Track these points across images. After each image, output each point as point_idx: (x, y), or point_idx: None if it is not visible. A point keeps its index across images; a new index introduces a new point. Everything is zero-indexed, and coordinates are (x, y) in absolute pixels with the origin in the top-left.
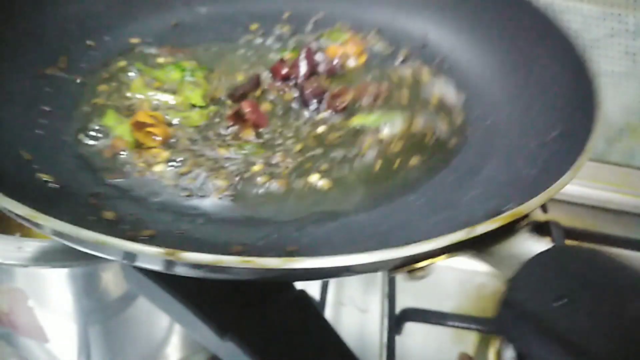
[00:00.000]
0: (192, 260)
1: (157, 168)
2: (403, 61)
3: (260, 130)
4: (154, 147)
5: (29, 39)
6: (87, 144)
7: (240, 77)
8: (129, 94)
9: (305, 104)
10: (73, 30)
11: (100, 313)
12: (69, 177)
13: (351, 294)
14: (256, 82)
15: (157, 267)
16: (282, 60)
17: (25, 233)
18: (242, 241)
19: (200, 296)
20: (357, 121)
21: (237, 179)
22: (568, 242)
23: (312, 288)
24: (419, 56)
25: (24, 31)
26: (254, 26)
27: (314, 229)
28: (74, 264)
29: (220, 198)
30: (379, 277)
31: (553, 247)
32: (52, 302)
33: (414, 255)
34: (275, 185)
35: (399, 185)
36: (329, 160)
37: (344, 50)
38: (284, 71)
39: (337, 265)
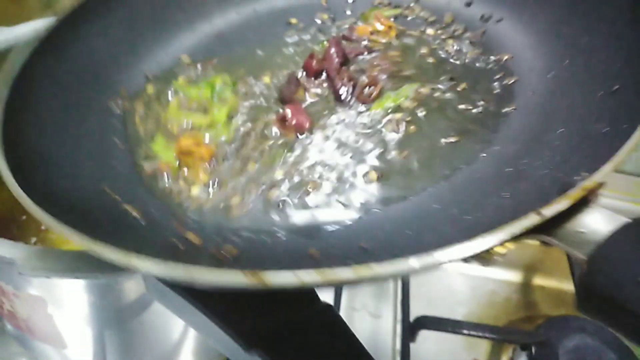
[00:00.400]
0: (278, 281)
1: (198, 190)
2: (447, 25)
3: (302, 134)
4: (202, 169)
5: (87, 77)
6: (146, 171)
7: (272, 80)
8: (167, 117)
9: (338, 98)
10: (126, 60)
11: (117, 319)
12: (149, 205)
13: (364, 300)
14: (297, 82)
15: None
16: (311, 56)
17: (42, 238)
18: (315, 245)
19: (225, 308)
20: (379, 106)
21: (285, 190)
22: None
23: (324, 293)
24: (464, 17)
25: (81, 69)
26: (293, 20)
27: (382, 221)
28: (96, 275)
29: (281, 209)
30: (391, 282)
31: (633, 220)
32: (71, 309)
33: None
34: (322, 189)
35: (456, 162)
36: (373, 153)
37: (372, 28)
38: (315, 66)
39: (416, 266)
